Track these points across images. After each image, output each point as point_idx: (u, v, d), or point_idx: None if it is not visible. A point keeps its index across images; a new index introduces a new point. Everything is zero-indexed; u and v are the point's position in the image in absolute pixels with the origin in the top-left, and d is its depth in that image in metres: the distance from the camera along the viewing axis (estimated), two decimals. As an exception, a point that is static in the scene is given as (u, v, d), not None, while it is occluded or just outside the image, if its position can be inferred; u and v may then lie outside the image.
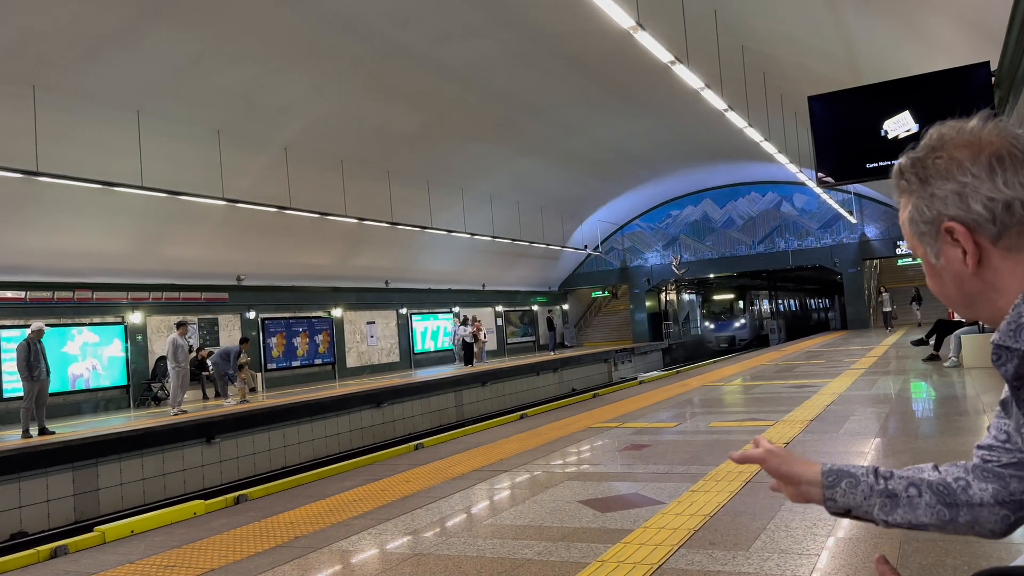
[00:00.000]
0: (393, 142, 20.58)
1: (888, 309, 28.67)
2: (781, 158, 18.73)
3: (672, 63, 10.75)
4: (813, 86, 12.87)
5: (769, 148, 17.40)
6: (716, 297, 38.35)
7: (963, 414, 8.04)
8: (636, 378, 21.47)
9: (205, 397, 19.13)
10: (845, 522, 4.21)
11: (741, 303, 37.36)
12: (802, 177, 21.64)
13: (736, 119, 14.76)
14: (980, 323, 11.34)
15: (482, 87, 19.35)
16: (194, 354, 18.15)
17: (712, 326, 37.83)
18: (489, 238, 26.26)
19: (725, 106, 13.77)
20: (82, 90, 13.81)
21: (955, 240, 1.05)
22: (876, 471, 1.26)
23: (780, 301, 44.20)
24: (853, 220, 31.86)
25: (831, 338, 27.43)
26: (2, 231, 15.31)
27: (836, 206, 29.60)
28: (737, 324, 37.04)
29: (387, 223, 21.02)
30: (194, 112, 15.75)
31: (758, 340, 36.77)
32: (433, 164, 22.74)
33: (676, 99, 19.48)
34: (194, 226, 18.51)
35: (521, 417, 12.61)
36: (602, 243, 36.89)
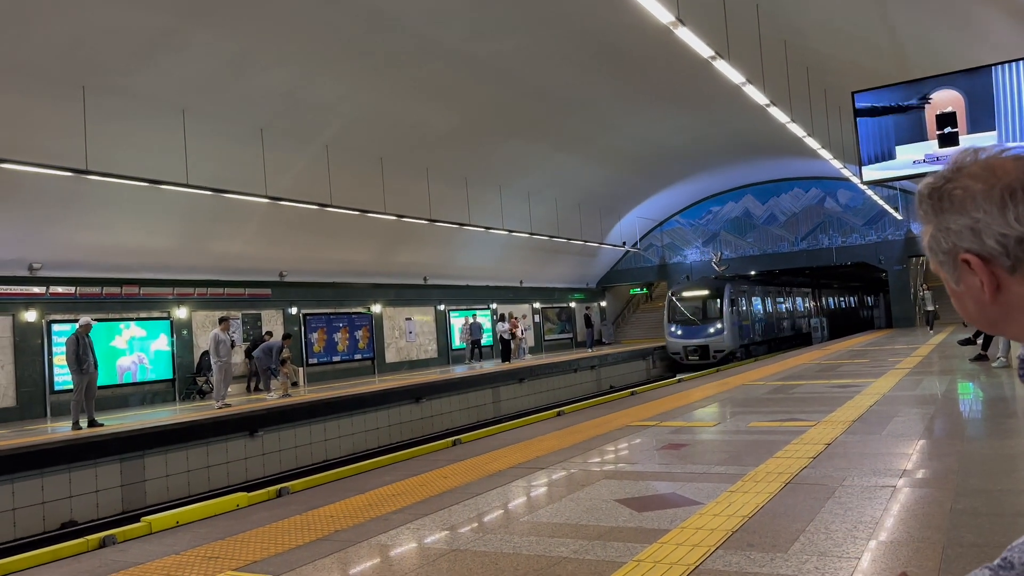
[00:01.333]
0: (431, 140, 20.69)
1: (931, 308, 27.04)
2: (825, 153, 18.42)
3: (713, 58, 10.64)
4: (858, 80, 12.64)
5: (812, 144, 17.13)
6: (686, 293, 29.79)
7: (1012, 416, 7.85)
8: (675, 376, 21.32)
9: (250, 390, 19.43)
10: (887, 524, 4.15)
11: (719, 302, 28.59)
12: (846, 173, 21.26)
13: (778, 114, 14.56)
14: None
15: (519, 84, 19.35)
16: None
17: (679, 332, 29.07)
18: (527, 235, 26.27)
19: (767, 101, 13.58)
20: (130, 90, 14.13)
21: (972, 269, 1.05)
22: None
23: (823, 299, 42.74)
24: (899, 216, 31.20)
25: (875, 337, 26.92)
26: (53, 228, 15.75)
27: (881, 202, 29.02)
28: (712, 330, 28.03)
29: (426, 220, 21.15)
30: (238, 111, 16.02)
31: (751, 350, 29.68)
32: (471, 161, 22.82)
33: (717, 94, 19.27)
34: (238, 223, 18.84)
35: (558, 414, 12.61)
36: (641, 240, 36.66)
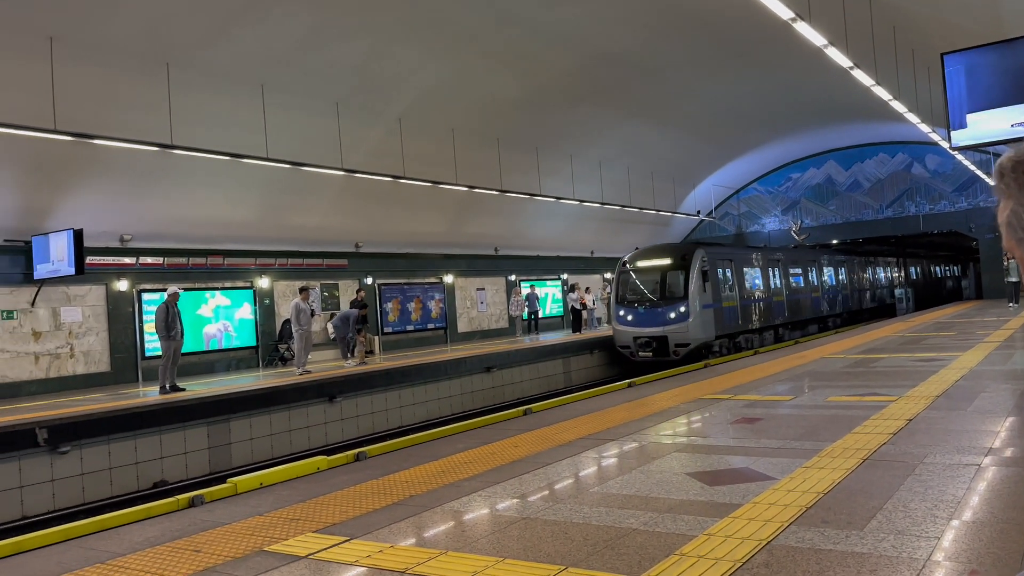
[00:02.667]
0: (503, 109, 20.64)
1: (1015, 279, 24.00)
2: (912, 117, 17.59)
3: (793, 20, 10.25)
4: (949, 40, 11.99)
5: (899, 107, 16.37)
6: (640, 263, 21.29)
7: (1112, 394, 7.44)
8: (751, 348, 20.91)
9: (345, 356, 19.69)
10: (971, 503, 4.03)
11: (683, 276, 20.13)
12: (935, 137, 20.28)
13: (863, 77, 13.95)
14: None
15: (592, 50, 19.08)
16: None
17: (628, 317, 20.71)
18: (598, 204, 26.04)
19: (850, 64, 13.03)
20: (211, 66, 14.53)
21: None
22: None
23: (909, 268, 40.84)
24: (992, 182, 29.60)
25: (964, 308, 25.79)
26: (142, 201, 16.43)
27: (973, 167, 27.59)
28: (672, 315, 19.78)
29: (496, 191, 21.19)
30: (314, 85, 16.30)
31: (741, 342, 21.80)
32: (542, 130, 22.68)
33: (797, 57, 18.59)
34: (315, 196, 19.26)
35: (629, 386, 12.57)
36: (716, 208, 35.89)
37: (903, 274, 39.80)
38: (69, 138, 12.09)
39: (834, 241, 34.84)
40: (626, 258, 21.83)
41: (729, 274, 21.49)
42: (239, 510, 5.20)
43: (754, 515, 4.10)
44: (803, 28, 10.68)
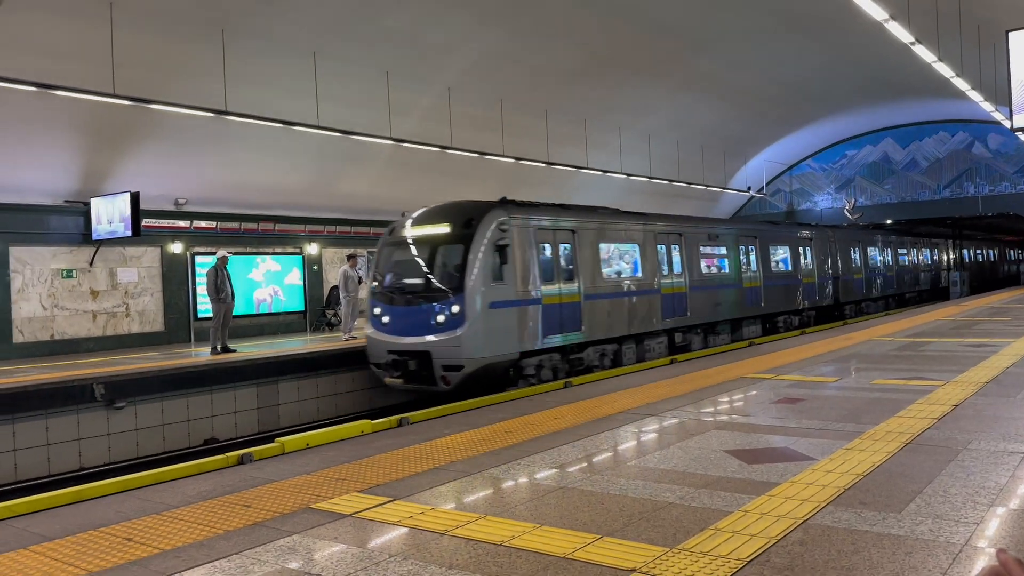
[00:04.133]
0: (552, 80, 20.49)
1: None
2: (974, 95, 17.03)
3: (853, -7, 9.99)
4: (1016, 16, 11.55)
5: (961, 84, 15.87)
6: (410, 232, 13.35)
7: None
8: (798, 329, 20.55)
9: None
10: (1015, 491, 3.99)
11: (461, 255, 12.21)
12: (998, 116, 19.60)
13: (924, 53, 13.54)
14: None
15: (644, 20, 18.79)
16: None
17: (384, 318, 12.78)
18: (645, 179, 25.78)
19: (912, 39, 12.65)
20: (266, 33, 14.70)
21: None
22: None
23: (964, 251, 39.57)
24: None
25: (1020, 293, 25.04)
26: (197, 166, 16.78)
27: (1039, 148, 26.61)
28: (441, 318, 11.98)
29: (543, 163, 21.11)
30: (365, 53, 16.39)
31: (599, 355, 14.13)
32: (591, 102, 22.47)
33: (857, 31, 18.06)
34: (364, 164, 19.44)
35: (672, 362, 12.57)
36: (767, 184, 35.24)
37: (956, 256, 38.62)
38: (127, 103, 12.39)
39: (888, 221, 34.02)
40: (391, 226, 13.93)
41: (566, 251, 13.47)
42: (287, 468, 5.39)
43: (791, 494, 4.12)
44: (863, 1, 10.39)
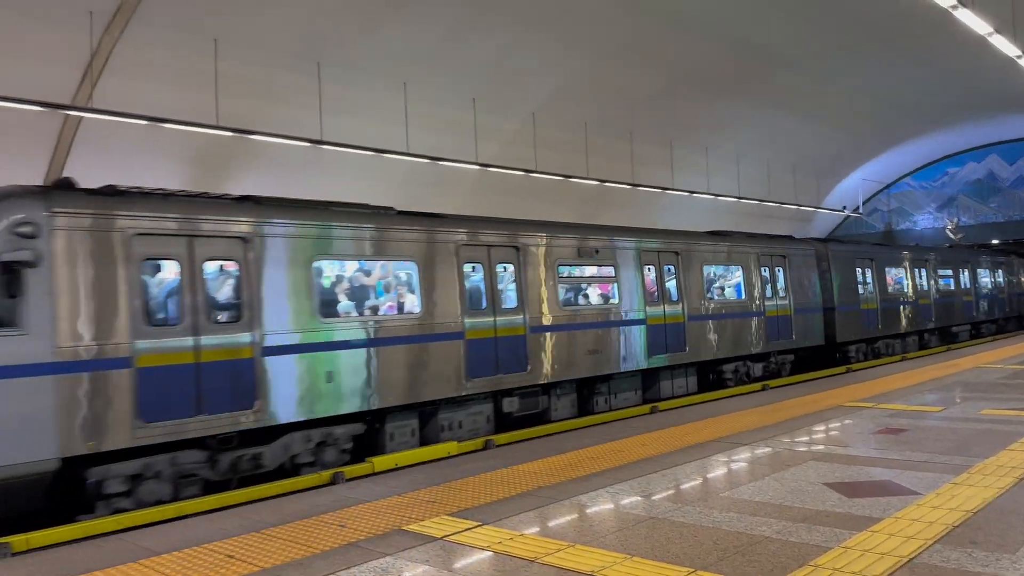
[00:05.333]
0: (636, 102, 20.43)
1: None
2: (1091, 108, 16.06)
3: (954, 7, 9.61)
4: None
5: (1075, 97, 14.99)
6: None
7: None
8: (898, 354, 19.60)
9: None
10: None
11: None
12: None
13: (1033, 65, 12.89)
14: None
15: (731, 39, 18.56)
16: None
17: None
18: (734, 199, 25.31)
19: (1018, 52, 12.06)
20: (359, 64, 15.24)
21: None
22: None
23: None
24: None
25: None
26: (293, 192, 17.40)
27: None
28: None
29: (628, 184, 21.02)
30: (453, 81, 16.77)
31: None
32: (676, 123, 22.29)
33: (958, 45, 17.36)
34: (450, 188, 19.80)
35: (763, 388, 12.25)
36: (864, 203, 34.03)
37: None
38: (230, 133, 13.01)
39: (994, 241, 32.28)
40: None
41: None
42: (378, 489, 5.49)
43: (895, 530, 3.94)
44: (965, 15, 9.99)
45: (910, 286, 20.27)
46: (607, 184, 20.63)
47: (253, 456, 7.73)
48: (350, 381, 8.41)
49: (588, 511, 4.66)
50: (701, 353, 13.01)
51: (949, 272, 22.94)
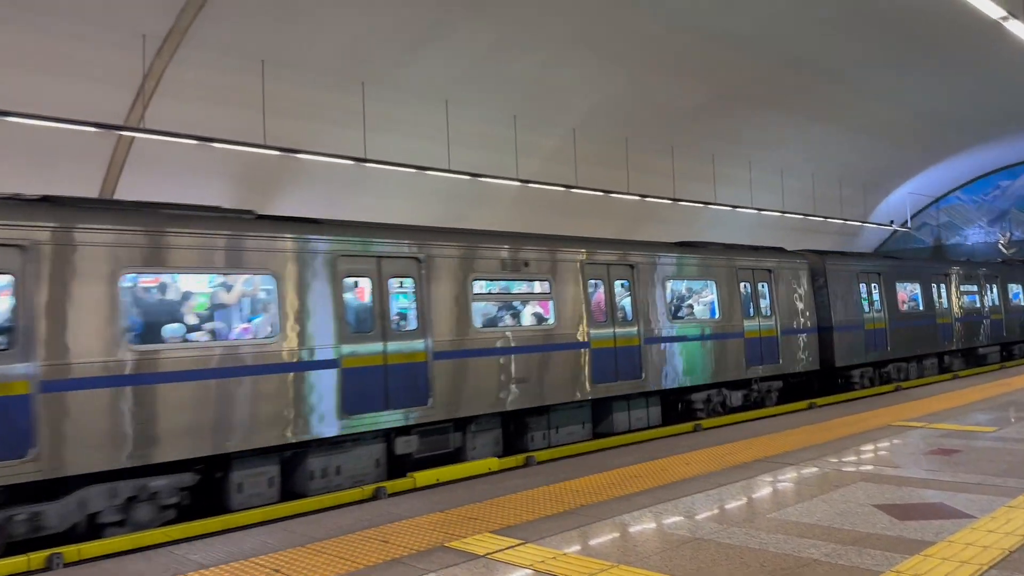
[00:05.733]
0: (678, 116, 20.34)
1: None
2: None
3: (1004, 19, 9.40)
4: None
5: None
6: None
7: None
8: (951, 372, 18.90)
9: None
10: None
11: None
12: None
13: (1089, 75, 12.52)
14: None
15: (773, 52, 18.40)
16: None
17: None
18: (778, 213, 24.97)
19: (1075, 61, 11.75)
20: (401, 84, 15.45)
21: None
22: None
23: None
24: None
25: None
26: (338, 211, 17.66)
27: None
28: None
29: (669, 199, 20.89)
30: (494, 98, 16.90)
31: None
32: (719, 136, 22.11)
33: (1009, 57, 16.99)
34: (490, 204, 19.90)
35: (810, 406, 12.04)
36: (912, 218, 33.33)
37: None
38: (277, 152, 13.26)
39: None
40: None
41: None
42: (419, 504, 5.51)
43: (949, 555, 3.83)
44: (1015, 26, 9.77)
45: (926, 303, 18.22)
46: (648, 199, 20.54)
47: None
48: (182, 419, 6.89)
49: (631, 531, 4.62)
50: (662, 380, 11.42)
51: (974, 288, 20.77)
